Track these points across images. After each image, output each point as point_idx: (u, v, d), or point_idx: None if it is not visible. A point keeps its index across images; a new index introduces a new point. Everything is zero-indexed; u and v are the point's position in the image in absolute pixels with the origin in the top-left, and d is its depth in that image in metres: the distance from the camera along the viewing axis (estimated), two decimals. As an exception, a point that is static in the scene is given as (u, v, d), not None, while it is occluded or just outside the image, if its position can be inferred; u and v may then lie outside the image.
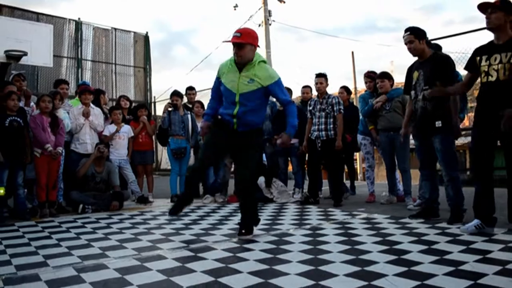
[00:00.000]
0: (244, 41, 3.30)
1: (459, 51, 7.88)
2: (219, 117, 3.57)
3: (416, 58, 4.19)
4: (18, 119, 4.72)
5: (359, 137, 5.86)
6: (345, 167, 6.82)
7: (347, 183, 6.83)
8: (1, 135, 4.55)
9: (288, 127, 3.47)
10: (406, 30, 4.05)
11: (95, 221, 4.51)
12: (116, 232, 3.82)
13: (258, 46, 3.44)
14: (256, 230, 3.67)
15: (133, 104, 7.06)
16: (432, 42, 4.81)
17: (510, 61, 3.22)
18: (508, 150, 3.51)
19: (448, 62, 3.94)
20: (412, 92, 4.12)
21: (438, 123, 3.87)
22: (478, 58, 3.45)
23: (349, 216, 4.46)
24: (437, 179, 4.36)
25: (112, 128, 5.94)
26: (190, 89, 7.18)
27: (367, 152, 5.77)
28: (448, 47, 7.96)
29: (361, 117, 5.78)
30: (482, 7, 3.37)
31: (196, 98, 7.26)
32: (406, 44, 4.06)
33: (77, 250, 3.11)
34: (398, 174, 5.45)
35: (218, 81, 3.58)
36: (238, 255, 2.85)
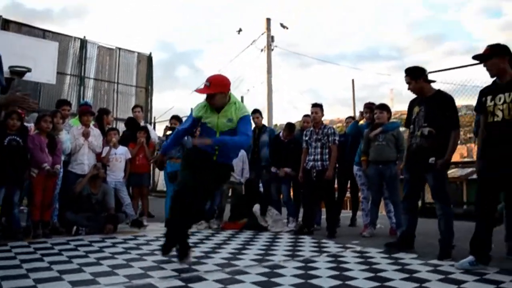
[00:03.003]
0: (212, 92, 3.43)
1: (459, 82, 8.08)
2: (195, 146, 3.66)
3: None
4: (18, 139, 4.76)
5: (355, 168, 5.88)
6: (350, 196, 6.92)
7: (347, 213, 6.84)
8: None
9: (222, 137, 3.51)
10: (405, 71, 4.18)
11: (88, 244, 4.49)
12: (108, 257, 3.81)
13: (229, 90, 3.54)
14: (248, 261, 3.70)
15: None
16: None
17: None
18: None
19: (452, 103, 4.03)
20: (411, 127, 4.19)
21: (432, 160, 3.92)
22: (484, 98, 3.56)
23: (343, 248, 4.45)
24: (417, 212, 4.43)
25: (107, 149, 5.98)
26: None
27: (362, 183, 5.79)
28: (448, 78, 8.13)
29: (358, 149, 5.81)
30: (476, 59, 3.60)
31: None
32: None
33: (68, 274, 3.10)
34: (391, 207, 5.47)
35: (194, 120, 3.67)
36: (229, 287, 2.85)
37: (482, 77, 4.91)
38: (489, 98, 3.50)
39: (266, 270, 3.39)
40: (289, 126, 6.23)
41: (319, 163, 5.41)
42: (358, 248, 4.46)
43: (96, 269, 3.30)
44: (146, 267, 3.43)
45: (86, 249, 4.22)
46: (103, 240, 4.76)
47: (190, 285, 2.89)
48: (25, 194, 5.28)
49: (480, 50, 3.58)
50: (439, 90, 4.18)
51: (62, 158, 5.46)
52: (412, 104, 4.30)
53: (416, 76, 4.10)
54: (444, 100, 4.03)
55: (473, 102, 8.04)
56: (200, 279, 3.07)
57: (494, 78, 3.55)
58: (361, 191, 5.90)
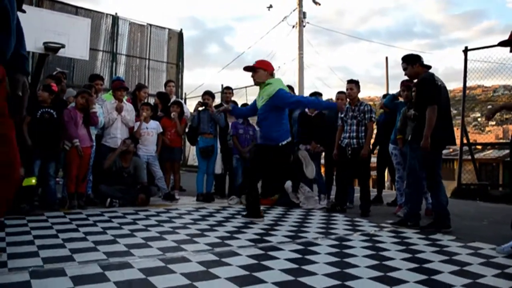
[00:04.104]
0: (256, 66, 4.52)
1: (496, 61, 7.70)
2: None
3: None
4: (51, 111, 4.82)
5: (390, 147, 5.70)
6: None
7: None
8: (32, 126, 4.66)
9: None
10: (401, 59, 4.40)
11: (121, 216, 4.55)
12: (141, 229, 3.84)
13: (271, 71, 4.61)
14: (281, 237, 3.65)
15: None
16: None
17: None
18: None
19: (422, 82, 4.19)
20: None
21: (408, 136, 4.37)
22: None
23: (377, 228, 4.34)
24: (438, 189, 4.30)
25: (138, 123, 5.98)
26: (228, 88, 7.22)
27: (397, 162, 5.61)
28: (486, 57, 7.75)
29: (395, 127, 5.61)
30: (503, 45, 3.59)
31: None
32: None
33: (103, 245, 3.13)
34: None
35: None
36: (263, 263, 2.80)
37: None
38: None
39: (300, 247, 3.33)
40: (315, 94, 6.09)
41: (354, 140, 5.26)
42: (393, 228, 4.34)
43: (130, 241, 3.32)
44: (179, 240, 3.43)
45: (120, 220, 4.27)
46: (137, 213, 4.81)
47: (223, 259, 2.86)
48: (62, 166, 5.37)
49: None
50: (422, 75, 4.27)
51: (95, 131, 5.51)
52: None
53: (412, 61, 4.29)
54: (419, 81, 4.23)
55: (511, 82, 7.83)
56: (233, 254, 3.04)
57: None
58: (396, 170, 5.72)
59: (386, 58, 21.08)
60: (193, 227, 4.06)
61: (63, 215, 4.45)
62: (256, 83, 4.59)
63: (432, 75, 4.25)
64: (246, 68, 4.58)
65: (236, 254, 3.04)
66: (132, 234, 3.59)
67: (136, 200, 5.31)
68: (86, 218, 4.37)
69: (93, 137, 5.36)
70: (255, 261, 2.84)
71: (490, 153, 21.78)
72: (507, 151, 19.66)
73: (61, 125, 4.90)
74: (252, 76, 4.55)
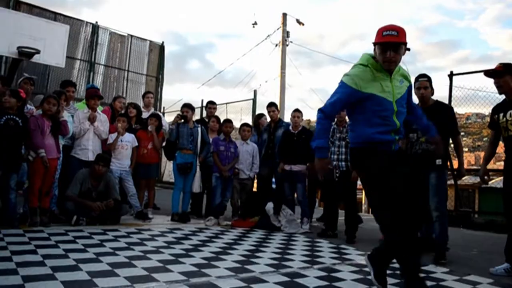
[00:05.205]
0: (403, 41, 2.54)
1: (472, 87, 7.68)
2: (371, 145, 2.62)
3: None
4: (17, 118, 4.41)
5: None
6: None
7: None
8: None
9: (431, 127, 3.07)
10: (423, 76, 4.21)
11: (87, 236, 4.13)
12: (108, 253, 3.43)
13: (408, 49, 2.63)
14: (264, 266, 3.31)
15: (143, 113, 6.63)
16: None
17: None
18: None
19: (452, 111, 4.30)
20: (414, 135, 4.18)
21: (439, 161, 4.00)
22: (496, 116, 3.72)
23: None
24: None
25: (114, 135, 5.58)
26: (211, 103, 6.93)
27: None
28: (461, 84, 7.75)
29: None
30: (488, 75, 3.67)
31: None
32: (419, 88, 4.12)
33: (62, 272, 2.73)
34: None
35: (354, 93, 2.57)
36: (245, 298, 2.47)
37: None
38: (501, 115, 3.64)
39: (285, 278, 3.00)
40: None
41: (343, 163, 5.00)
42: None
43: (94, 267, 2.92)
44: (150, 267, 3.04)
45: (85, 241, 3.85)
46: (105, 233, 4.38)
47: (200, 293, 2.51)
48: (27, 177, 4.92)
49: (494, 59, 3.49)
50: (437, 100, 4.29)
51: (63, 142, 5.10)
52: None
53: (432, 84, 4.21)
54: (446, 110, 4.23)
55: (483, 110, 7.80)
56: (211, 286, 2.69)
57: (505, 98, 3.68)
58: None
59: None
60: (167, 251, 3.67)
61: (22, 233, 4.02)
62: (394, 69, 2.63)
63: None
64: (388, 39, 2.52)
65: (215, 286, 2.68)
66: (98, 259, 3.19)
67: (105, 218, 4.87)
68: (47, 237, 3.94)
69: (60, 148, 4.94)
70: (236, 296, 2.50)
71: (467, 180, 21.82)
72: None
73: (27, 133, 4.48)
74: (394, 59, 2.54)
